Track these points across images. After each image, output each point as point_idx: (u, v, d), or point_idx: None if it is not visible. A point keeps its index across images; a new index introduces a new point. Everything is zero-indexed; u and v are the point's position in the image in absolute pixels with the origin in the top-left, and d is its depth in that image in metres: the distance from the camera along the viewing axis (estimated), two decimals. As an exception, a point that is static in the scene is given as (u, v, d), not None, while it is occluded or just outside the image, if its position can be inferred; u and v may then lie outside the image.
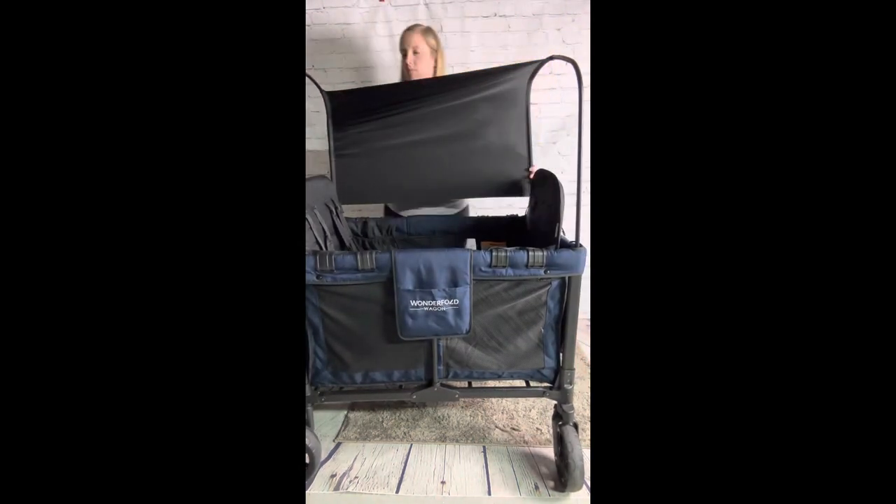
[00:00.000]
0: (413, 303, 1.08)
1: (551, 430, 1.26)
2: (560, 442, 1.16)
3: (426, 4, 2.06)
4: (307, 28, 2.08)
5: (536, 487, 1.18)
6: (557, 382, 1.17)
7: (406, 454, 1.32)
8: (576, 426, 1.16)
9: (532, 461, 1.28)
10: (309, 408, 1.21)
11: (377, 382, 1.19)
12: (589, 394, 1.59)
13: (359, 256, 1.06)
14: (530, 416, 1.49)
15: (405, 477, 1.22)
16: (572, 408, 1.17)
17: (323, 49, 2.11)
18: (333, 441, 1.38)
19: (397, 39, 2.09)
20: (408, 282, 1.07)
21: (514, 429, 1.42)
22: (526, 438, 1.37)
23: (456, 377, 1.19)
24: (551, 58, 1.17)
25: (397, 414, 1.50)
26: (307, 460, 1.18)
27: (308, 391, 1.18)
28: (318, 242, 1.33)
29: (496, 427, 1.43)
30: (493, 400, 1.57)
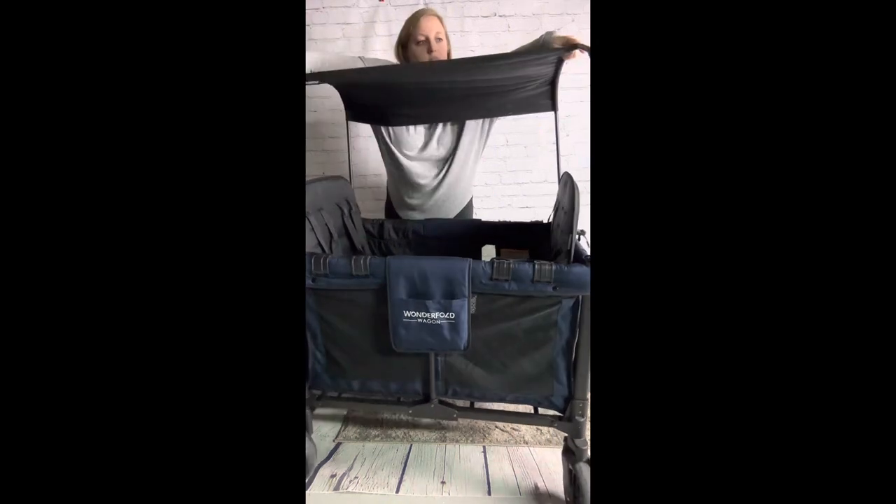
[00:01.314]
0: (406, 313, 1.00)
1: (562, 468, 1.14)
2: (573, 483, 1.05)
3: (426, 4, 2.05)
4: (307, 28, 2.08)
5: (537, 488, 1.18)
6: (568, 413, 1.04)
7: (406, 454, 1.32)
8: (589, 462, 1.04)
9: (532, 461, 1.28)
10: (308, 412, 1.18)
11: (374, 392, 1.14)
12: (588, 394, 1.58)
13: (352, 261, 1.00)
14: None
15: (405, 477, 1.22)
16: (586, 443, 1.04)
17: (323, 49, 2.11)
18: (333, 441, 1.38)
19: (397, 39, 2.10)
20: (401, 290, 1.00)
21: (514, 429, 1.42)
22: (526, 438, 1.37)
23: (455, 395, 1.10)
24: (575, 46, 1.14)
25: (397, 414, 1.50)
26: None
27: (307, 395, 1.15)
28: (319, 244, 1.28)
29: (496, 427, 1.43)
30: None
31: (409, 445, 1.35)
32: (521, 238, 1.62)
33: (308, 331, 1.10)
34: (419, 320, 1.00)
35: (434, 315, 1.00)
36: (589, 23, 2.11)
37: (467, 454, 1.31)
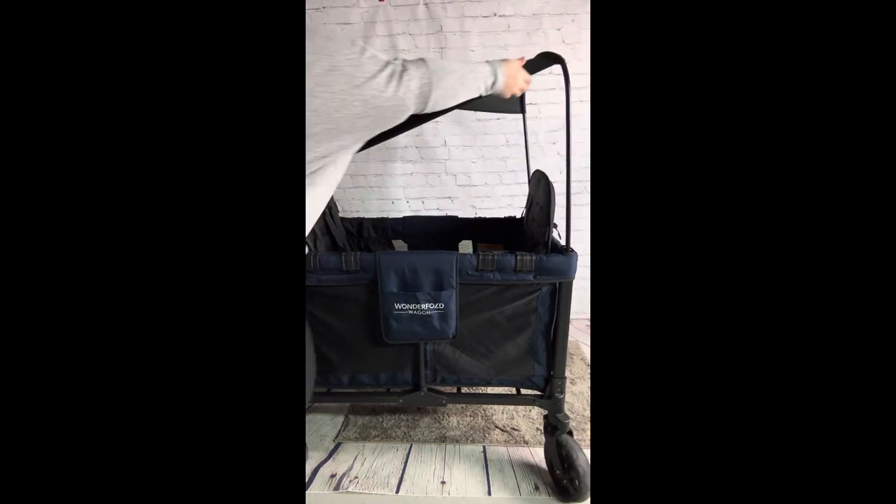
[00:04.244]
0: (397, 306, 1.05)
1: (544, 445, 1.21)
2: (559, 452, 1.12)
3: (426, 4, 2.05)
4: (307, 28, 2.08)
5: (536, 488, 1.18)
6: (548, 391, 1.13)
7: (406, 454, 1.32)
8: (571, 433, 1.13)
9: (532, 461, 1.28)
10: None
11: (364, 385, 1.18)
12: (589, 394, 1.59)
13: (343, 257, 1.04)
14: (530, 415, 1.49)
15: (405, 477, 1.22)
16: (567, 417, 1.14)
17: (323, 49, 2.11)
18: (333, 441, 1.38)
19: (398, 40, 2.10)
20: (392, 284, 1.04)
21: (514, 429, 1.42)
22: (526, 438, 1.37)
23: (444, 382, 1.17)
24: (546, 56, 1.14)
25: (397, 414, 1.50)
26: None
27: None
28: (309, 242, 1.32)
29: (496, 427, 1.43)
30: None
31: (409, 445, 1.35)
32: (495, 233, 1.70)
33: None
34: (410, 312, 1.05)
35: (424, 306, 1.05)
36: (589, 23, 2.12)
37: (467, 454, 1.31)
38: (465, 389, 1.27)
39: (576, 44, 2.04)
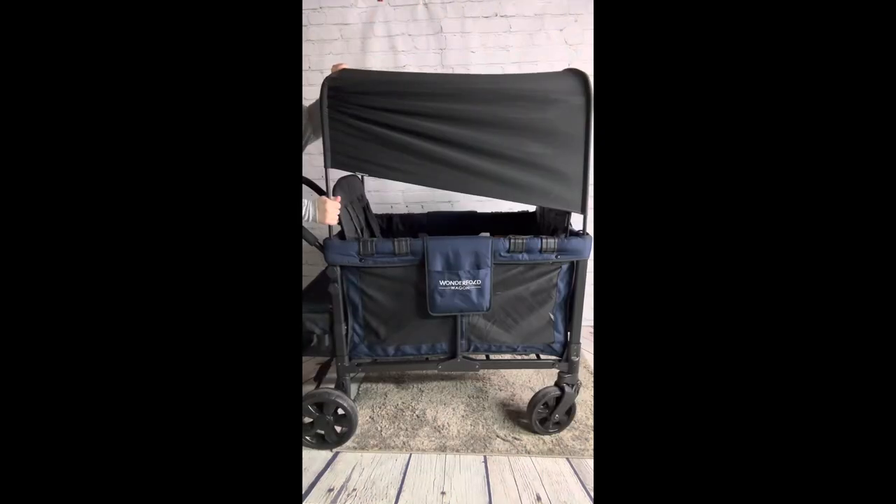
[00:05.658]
0: (442, 283, 1.24)
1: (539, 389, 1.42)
2: (556, 397, 1.37)
3: (426, 4, 2.03)
4: (304, 28, 2.05)
5: (539, 498, 1.15)
6: (565, 355, 1.35)
7: (405, 464, 1.29)
8: (577, 390, 1.38)
9: (534, 471, 1.25)
10: (347, 378, 1.36)
11: (407, 355, 1.37)
12: (592, 402, 1.56)
13: (395, 242, 1.24)
14: (532, 426, 1.46)
15: (404, 488, 1.20)
16: (576, 378, 1.37)
17: (320, 50, 2.09)
18: (331, 451, 1.35)
19: (396, 40, 2.07)
20: (438, 264, 1.24)
21: (515, 438, 1.39)
22: (528, 448, 1.35)
23: (476, 350, 1.36)
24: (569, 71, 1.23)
25: (396, 423, 1.48)
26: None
27: (347, 363, 1.34)
28: (357, 231, 1.46)
29: (497, 436, 1.40)
30: (493, 399, 1.55)
31: (408, 455, 1.33)
32: (510, 225, 1.86)
33: (349, 306, 1.31)
34: (452, 287, 1.26)
35: (465, 282, 1.25)
36: (592, 23, 2.09)
37: (468, 464, 1.28)
38: (492, 357, 1.49)
39: (579, 45, 2.01)
